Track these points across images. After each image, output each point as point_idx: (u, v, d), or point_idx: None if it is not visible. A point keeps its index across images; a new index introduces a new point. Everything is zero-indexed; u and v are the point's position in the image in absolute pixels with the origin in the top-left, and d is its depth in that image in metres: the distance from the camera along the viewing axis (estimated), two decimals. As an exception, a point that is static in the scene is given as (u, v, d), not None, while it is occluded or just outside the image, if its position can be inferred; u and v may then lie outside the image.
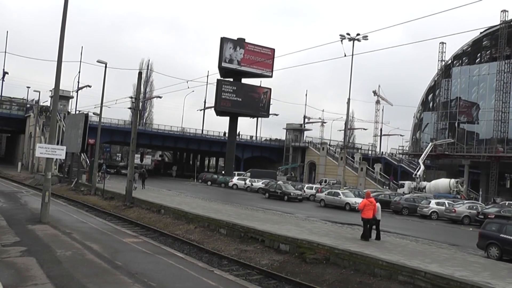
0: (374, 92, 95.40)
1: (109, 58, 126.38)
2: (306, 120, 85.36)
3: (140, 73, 31.30)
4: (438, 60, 65.17)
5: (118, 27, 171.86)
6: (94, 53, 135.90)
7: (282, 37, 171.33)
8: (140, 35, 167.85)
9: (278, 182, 44.48)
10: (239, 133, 68.55)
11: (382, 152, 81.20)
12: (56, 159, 25.68)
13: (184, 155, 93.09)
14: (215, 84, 64.02)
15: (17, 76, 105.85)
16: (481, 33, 59.26)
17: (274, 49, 65.82)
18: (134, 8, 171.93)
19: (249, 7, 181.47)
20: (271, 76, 66.19)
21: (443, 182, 49.65)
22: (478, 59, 66.09)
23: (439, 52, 64.56)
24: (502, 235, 15.82)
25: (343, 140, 66.42)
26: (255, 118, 74.20)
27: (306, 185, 46.04)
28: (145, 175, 37.69)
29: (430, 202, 33.37)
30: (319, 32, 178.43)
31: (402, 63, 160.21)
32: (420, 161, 55.88)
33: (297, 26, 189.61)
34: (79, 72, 61.44)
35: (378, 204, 17.22)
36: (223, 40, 62.45)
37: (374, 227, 16.71)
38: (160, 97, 66.06)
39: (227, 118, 65.95)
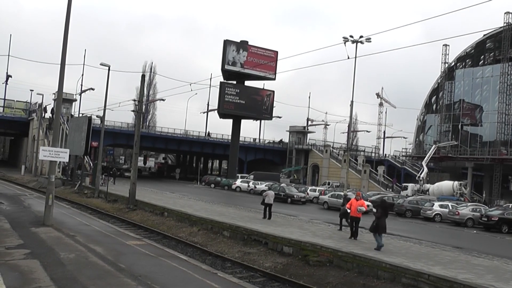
0: (377, 95, 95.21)
1: (122, 60, 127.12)
2: (310, 123, 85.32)
3: (143, 76, 31.32)
4: (442, 62, 65.11)
5: (134, 29, 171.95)
6: (108, 56, 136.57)
7: (298, 40, 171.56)
8: (154, 38, 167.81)
9: (281, 185, 44.47)
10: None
11: (386, 154, 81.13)
12: (60, 162, 25.69)
13: (187, 157, 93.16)
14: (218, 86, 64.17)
15: (25, 79, 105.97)
16: (484, 35, 59.16)
17: (277, 52, 65.94)
18: (151, 10, 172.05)
19: (267, 9, 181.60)
20: (274, 79, 66.23)
21: (447, 185, 49.54)
22: (482, 61, 65.99)
23: (442, 54, 64.52)
24: None
25: (346, 143, 66.37)
26: (258, 121, 74.19)
27: (310, 188, 46.01)
28: (116, 173, 46.13)
29: (434, 204, 33.30)
30: (336, 34, 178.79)
31: (408, 65, 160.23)
32: (424, 163, 55.73)
33: (316, 28, 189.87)
34: (82, 75, 62.28)
35: (270, 192, 22.18)
36: (226, 43, 62.56)
37: None
38: (163, 100, 66.04)
39: (231, 121, 66.01)
